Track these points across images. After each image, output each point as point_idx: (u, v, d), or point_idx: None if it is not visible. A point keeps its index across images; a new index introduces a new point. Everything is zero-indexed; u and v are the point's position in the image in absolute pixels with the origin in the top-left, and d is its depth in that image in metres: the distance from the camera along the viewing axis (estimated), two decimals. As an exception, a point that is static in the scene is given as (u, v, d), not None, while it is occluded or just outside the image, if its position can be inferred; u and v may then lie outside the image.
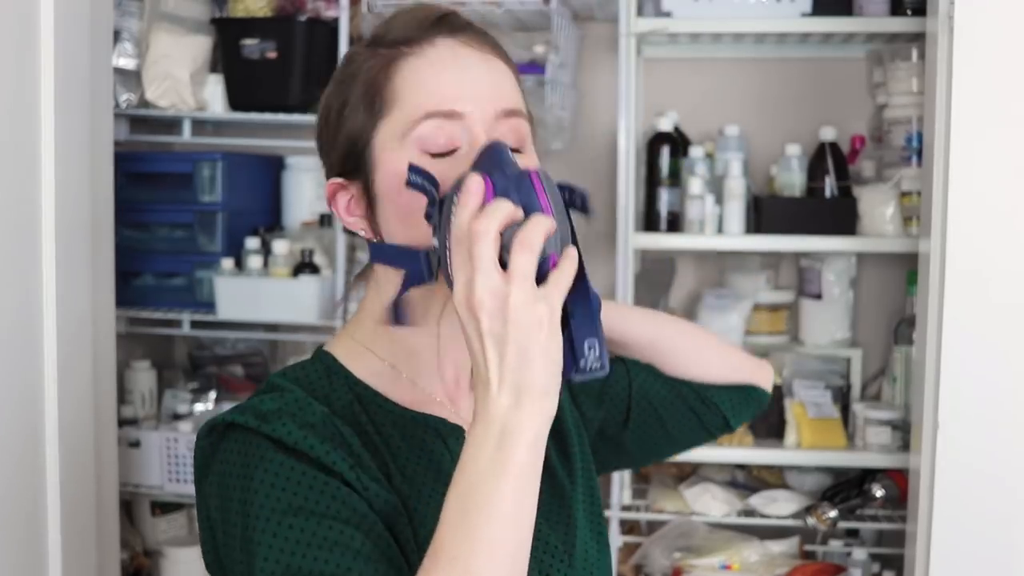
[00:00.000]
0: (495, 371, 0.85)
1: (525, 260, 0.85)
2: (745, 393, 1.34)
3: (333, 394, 1.04)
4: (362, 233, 1.06)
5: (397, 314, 0.99)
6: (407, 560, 0.96)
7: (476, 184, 0.88)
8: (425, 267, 0.98)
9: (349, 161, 1.04)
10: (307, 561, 0.89)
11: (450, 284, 0.91)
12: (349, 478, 0.95)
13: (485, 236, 0.85)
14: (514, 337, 0.85)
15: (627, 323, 1.29)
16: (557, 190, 0.92)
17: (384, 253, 1.04)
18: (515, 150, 1.01)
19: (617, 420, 1.28)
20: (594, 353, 0.88)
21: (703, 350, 1.32)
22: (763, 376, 1.37)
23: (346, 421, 1.01)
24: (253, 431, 0.96)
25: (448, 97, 1.00)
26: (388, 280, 1.05)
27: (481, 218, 0.86)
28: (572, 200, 0.95)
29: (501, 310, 0.85)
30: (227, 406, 2.75)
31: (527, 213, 0.87)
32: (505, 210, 0.87)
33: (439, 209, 0.93)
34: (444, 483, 1.02)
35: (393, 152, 1.01)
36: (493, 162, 0.92)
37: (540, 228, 0.86)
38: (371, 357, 1.07)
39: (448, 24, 1.04)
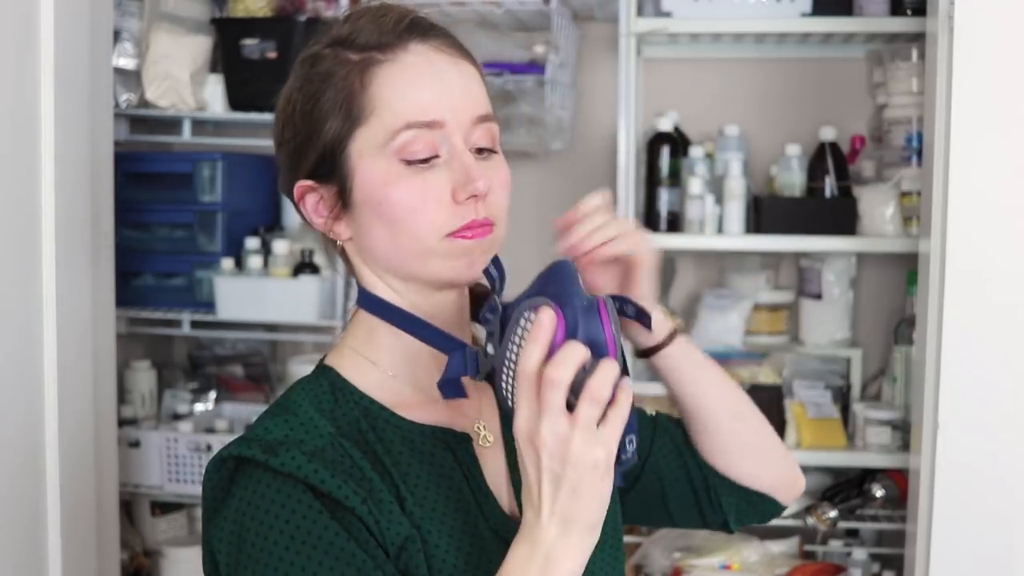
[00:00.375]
0: (548, 503, 0.90)
1: (592, 411, 0.89)
2: (756, 504, 1.26)
3: (339, 411, 1.04)
4: (329, 235, 1.07)
5: (454, 389, 1.01)
6: None
7: (549, 320, 0.90)
8: (472, 364, 1.00)
9: (321, 165, 1.04)
10: None
11: (492, 382, 0.96)
12: (361, 512, 0.96)
13: (559, 386, 0.88)
14: (570, 477, 0.89)
15: (692, 381, 1.21)
16: (616, 313, 0.95)
17: (423, 331, 1.05)
18: (489, 150, 1.05)
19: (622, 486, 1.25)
20: (632, 447, 0.94)
21: (745, 449, 1.23)
22: (789, 492, 1.27)
23: (353, 441, 1.01)
24: (264, 467, 0.97)
25: (427, 107, 1.01)
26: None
27: (556, 367, 0.88)
28: (624, 309, 1.02)
29: (562, 453, 0.89)
30: (227, 406, 2.76)
31: (594, 349, 0.90)
32: (578, 358, 0.89)
33: (499, 317, 0.96)
34: (455, 499, 1.03)
35: (372, 160, 1.02)
36: (562, 288, 0.93)
37: (608, 378, 0.89)
38: (371, 367, 1.07)
39: (419, 28, 1.04)
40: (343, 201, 1.04)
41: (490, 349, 0.97)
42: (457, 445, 1.06)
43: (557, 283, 0.95)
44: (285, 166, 1.09)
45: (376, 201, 1.02)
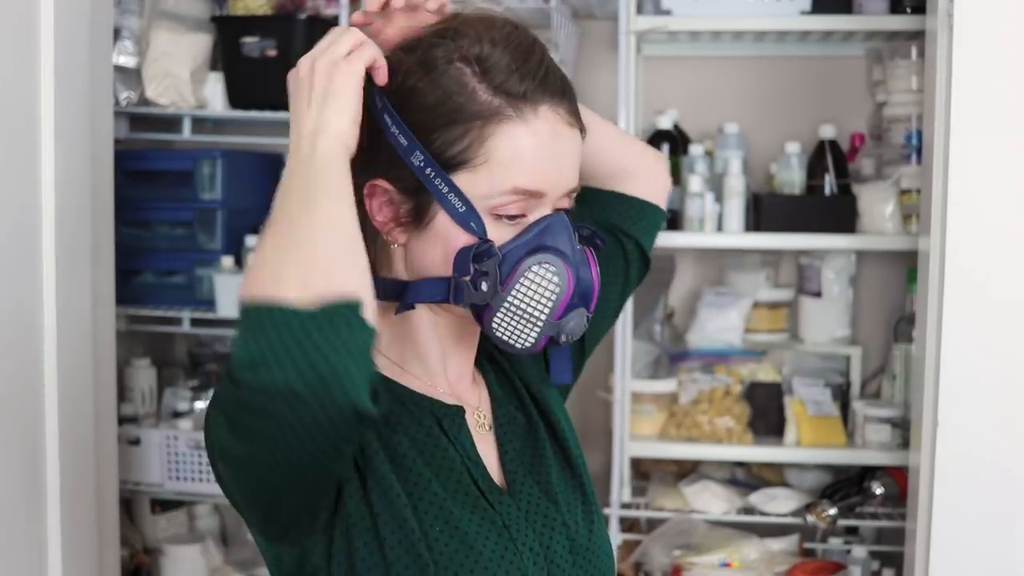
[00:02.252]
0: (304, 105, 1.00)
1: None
2: (648, 214, 1.36)
3: None
4: (384, 236, 1.07)
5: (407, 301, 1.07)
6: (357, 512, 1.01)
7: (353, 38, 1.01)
8: (456, 293, 1.04)
9: (407, 178, 1.04)
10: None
11: (479, 319, 1.05)
12: None
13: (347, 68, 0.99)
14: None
15: (597, 146, 1.27)
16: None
17: (421, 291, 1.08)
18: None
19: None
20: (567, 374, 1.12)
21: (638, 166, 1.35)
22: (661, 186, 1.38)
23: None
24: None
25: (538, 179, 1.03)
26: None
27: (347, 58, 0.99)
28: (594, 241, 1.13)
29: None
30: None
31: (585, 291, 1.05)
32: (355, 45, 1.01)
33: (497, 263, 1.03)
34: (440, 455, 1.08)
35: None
36: (562, 242, 1.04)
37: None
38: (379, 356, 1.10)
39: (553, 87, 1.04)
40: (414, 218, 1.05)
41: (484, 287, 1.02)
42: (445, 416, 1.10)
43: (555, 237, 1.03)
44: (366, 143, 1.08)
45: (452, 237, 1.03)
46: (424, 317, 1.11)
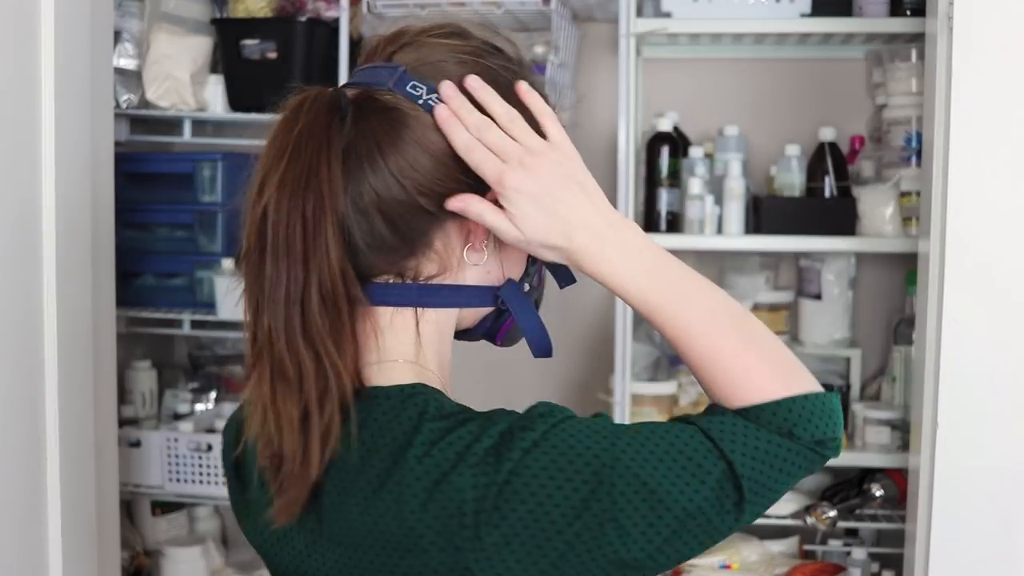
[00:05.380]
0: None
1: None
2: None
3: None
4: (487, 274, 1.07)
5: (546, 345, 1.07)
6: None
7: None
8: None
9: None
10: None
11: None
12: None
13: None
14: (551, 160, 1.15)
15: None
16: None
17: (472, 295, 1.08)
18: None
19: None
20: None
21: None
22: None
23: None
24: (559, 423, 0.95)
25: None
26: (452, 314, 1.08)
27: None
28: None
29: (519, 157, 1.09)
30: (227, 406, 2.77)
31: None
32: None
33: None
34: None
35: None
36: None
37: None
38: (431, 375, 1.04)
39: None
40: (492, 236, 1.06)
41: (527, 288, 1.10)
42: None
43: None
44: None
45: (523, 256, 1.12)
46: (450, 330, 1.08)
